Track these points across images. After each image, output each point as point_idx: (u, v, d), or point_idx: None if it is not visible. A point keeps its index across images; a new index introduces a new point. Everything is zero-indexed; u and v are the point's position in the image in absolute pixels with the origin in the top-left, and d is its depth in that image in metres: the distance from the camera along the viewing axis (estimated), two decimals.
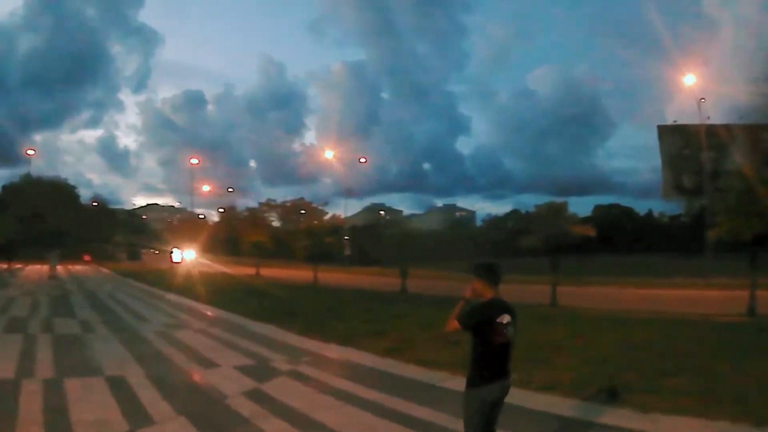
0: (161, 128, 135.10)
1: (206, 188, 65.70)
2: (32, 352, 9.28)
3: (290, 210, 32.69)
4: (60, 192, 70.65)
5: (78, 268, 45.07)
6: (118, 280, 31.19)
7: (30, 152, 68.56)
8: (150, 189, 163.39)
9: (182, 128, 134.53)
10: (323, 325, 12.69)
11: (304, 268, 29.99)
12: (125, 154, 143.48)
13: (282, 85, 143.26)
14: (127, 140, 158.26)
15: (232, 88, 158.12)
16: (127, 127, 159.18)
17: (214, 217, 62.63)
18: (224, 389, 7.19)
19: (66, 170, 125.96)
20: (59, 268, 39.34)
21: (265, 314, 14.54)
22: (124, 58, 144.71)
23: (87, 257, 58.45)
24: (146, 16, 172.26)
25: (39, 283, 26.83)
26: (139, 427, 5.61)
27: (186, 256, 39.34)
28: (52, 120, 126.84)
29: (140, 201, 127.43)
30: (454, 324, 3.78)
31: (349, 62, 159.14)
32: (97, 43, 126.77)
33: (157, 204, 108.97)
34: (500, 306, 3.77)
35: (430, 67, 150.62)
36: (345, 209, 61.33)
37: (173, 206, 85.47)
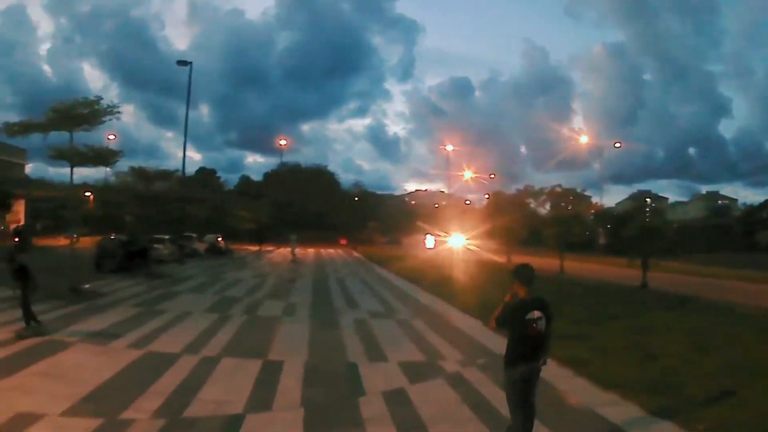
0: (429, 115, 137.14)
1: (468, 174, 63.99)
2: (214, 331, 9.79)
3: (553, 196, 31.70)
4: (320, 178, 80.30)
5: (330, 251, 48.99)
6: (361, 264, 33.26)
7: (282, 143, 74.01)
8: (421, 175, 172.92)
9: (450, 115, 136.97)
10: None
11: (561, 257, 28.30)
12: (395, 141, 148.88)
13: (545, 70, 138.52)
14: (396, 128, 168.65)
15: (497, 74, 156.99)
16: (395, 115, 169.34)
17: (483, 202, 62.34)
18: (369, 385, 6.82)
19: (336, 158, 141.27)
20: (309, 251, 44.37)
21: (475, 306, 13.48)
22: (386, 49, 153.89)
23: (343, 241, 64.46)
24: (403, 7, 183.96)
25: (278, 265, 29.14)
26: (252, 412, 5.59)
27: (453, 242, 39.99)
28: (319, 111, 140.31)
29: (411, 187, 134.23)
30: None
31: (609, 44, 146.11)
32: (356, 36, 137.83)
33: (425, 189, 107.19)
34: (532, 304, 4.38)
35: (687, 46, 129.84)
36: (609, 196, 56.72)
37: (442, 192, 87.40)
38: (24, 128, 13.87)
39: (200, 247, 34.31)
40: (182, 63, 26.11)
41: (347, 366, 7.89)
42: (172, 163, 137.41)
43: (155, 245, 26.60)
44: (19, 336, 8.22)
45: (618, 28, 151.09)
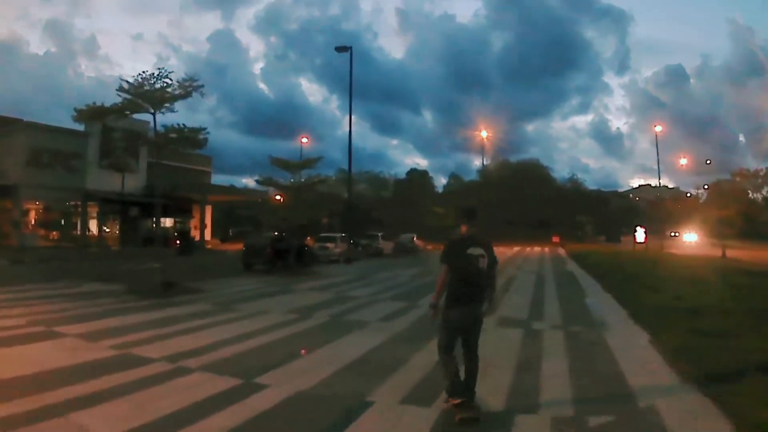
0: (648, 107, 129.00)
1: (683, 161, 56.54)
2: (270, 329, 8.24)
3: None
4: (531, 173, 75.08)
5: (536, 249, 45.07)
6: (557, 260, 29.04)
7: (483, 136, 75.02)
8: (646, 170, 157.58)
9: (668, 105, 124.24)
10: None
11: None
12: (618, 136, 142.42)
13: (753, 50, 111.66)
14: (618, 122, 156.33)
15: (708, 58, 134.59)
16: (616, 110, 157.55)
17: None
18: None
19: (561, 157, 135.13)
20: (513, 249, 40.50)
21: (651, 311, 9.46)
22: (599, 41, 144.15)
23: (556, 239, 59.55)
24: None
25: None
26: None
27: (688, 238, 34.08)
28: (541, 110, 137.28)
29: (635, 183, 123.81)
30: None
31: None
32: (568, 30, 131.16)
33: (648, 185, 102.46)
34: (472, 239, 4.33)
35: None
36: None
37: (666, 186, 78.54)
38: (94, 113, 13.84)
39: (384, 246, 33.30)
40: (342, 49, 25.30)
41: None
42: (400, 170, 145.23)
43: (326, 244, 26.48)
44: None
45: None
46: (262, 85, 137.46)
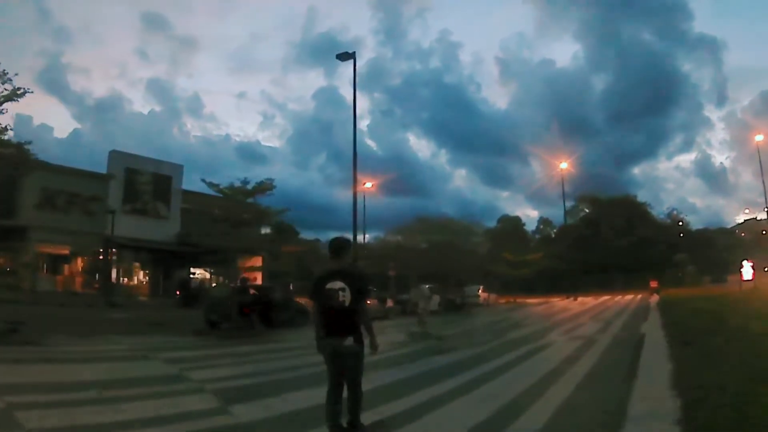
0: (748, 138, 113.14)
1: None
2: None
3: None
4: (626, 210, 66.01)
5: (625, 298, 37.51)
6: (633, 315, 21.49)
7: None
8: (751, 204, 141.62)
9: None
10: None
11: None
12: (721, 172, 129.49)
13: None
14: (720, 157, 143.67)
15: None
16: (719, 144, 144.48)
17: None
18: None
19: (669, 198, 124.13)
20: (586, 299, 33.89)
21: None
22: (696, 73, 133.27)
23: (653, 283, 50.31)
24: (701, 26, 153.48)
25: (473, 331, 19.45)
26: None
27: None
28: (645, 150, 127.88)
29: (741, 218, 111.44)
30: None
31: None
32: (667, 65, 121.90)
33: (754, 218, 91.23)
34: (334, 273, 4.40)
35: None
36: None
37: None
38: None
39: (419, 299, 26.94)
40: (344, 56, 21.29)
41: None
42: None
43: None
44: None
45: None
46: (369, 141, 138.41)
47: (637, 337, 12.77)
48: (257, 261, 38.30)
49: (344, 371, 4.34)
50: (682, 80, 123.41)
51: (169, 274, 35.13)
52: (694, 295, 28.31)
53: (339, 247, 4.48)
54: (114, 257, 32.48)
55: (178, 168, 37.65)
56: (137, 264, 35.44)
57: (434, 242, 40.91)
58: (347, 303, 4.26)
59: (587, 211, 72.09)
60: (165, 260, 34.86)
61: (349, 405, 4.39)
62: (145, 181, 34.92)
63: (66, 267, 32.80)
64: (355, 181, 20.89)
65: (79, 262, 33.29)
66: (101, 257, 32.11)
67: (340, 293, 4.25)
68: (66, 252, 32.49)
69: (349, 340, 4.28)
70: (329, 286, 4.28)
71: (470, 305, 31.77)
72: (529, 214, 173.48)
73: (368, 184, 46.18)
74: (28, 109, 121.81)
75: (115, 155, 34.87)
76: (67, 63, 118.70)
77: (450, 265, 37.52)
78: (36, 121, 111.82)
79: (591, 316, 20.15)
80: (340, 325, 4.26)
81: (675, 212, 74.59)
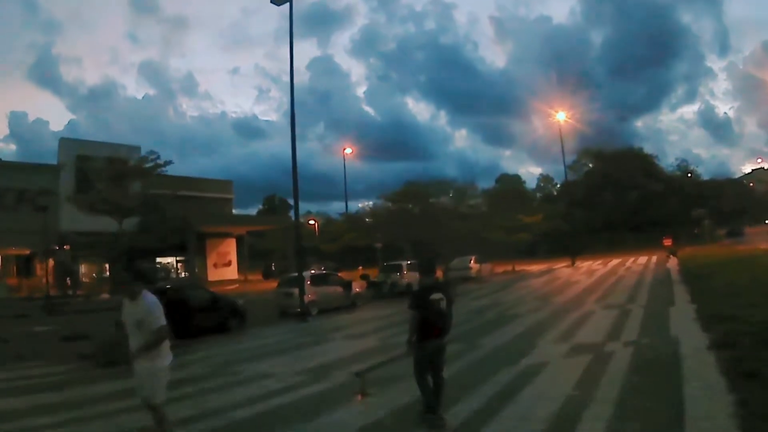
0: (751, 88, 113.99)
1: None
2: None
3: None
4: (631, 163, 61.73)
5: (639, 262, 34.15)
6: (654, 294, 17.58)
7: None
8: (757, 153, 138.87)
9: None
10: None
11: None
12: (725, 122, 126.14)
13: None
14: (724, 107, 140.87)
15: None
16: (722, 94, 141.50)
17: None
18: None
19: (674, 150, 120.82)
20: (594, 264, 30.73)
21: None
22: (696, 24, 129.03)
23: (667, 241, 46.34)
24: None
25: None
26: None
27: None
28: (648, 104, 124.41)
29: (749, 168, 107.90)
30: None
31: None
32: (664, 16, 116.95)
33: (762, 168, 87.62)
34: (433, 287, 5.34)
35: None
36: None
37: None
38: None
39: (402, 279, 22.83)
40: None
41: None
42: None
43: (290, 289, 18.08)
44: None
45: None
46: (367, 108, 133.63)
47: (669, 349, 8.75)
48: (231, 244, 35.25)
49: (439, 364, 5.28)
50: (682, 31, 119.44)
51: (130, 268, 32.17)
52: (719, 257, 24.73)
53: (430, 266, 5.66)
54: (67, 255, 29.36)
55: (135, 150, 34.13)
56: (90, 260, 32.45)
57: (425, 209, 37.74)
58: (444, 310, 5.22)
59: (590, 166, 67.99)
60: (126, 252, 31.70)
61: (436, 391, 5.25)
62: (98, 169, 31.45)
63: (14, 269, 29.76)
64: (293, 139, 17.68)
65: (37, 264, 30.39)
66: (51, 257, 28.99)
67: (441, 303, 5.18)
68: (18, 253, 29.56)
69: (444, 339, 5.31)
70: (432, 297, 5.16)
71: (457, 281, 27.07)
72: (533, 172, 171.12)
73: (348, 150, 43.98)
74: (22, 105, 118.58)
75: (64, 143, 31.99)
76: (58, 54, 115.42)
77: (442, 232, 34.29)
78: (31, 117, 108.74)
79: (597, 298, 16.34)
80: (441, 327, 5.20)
81: (685, 163, 70.06)
